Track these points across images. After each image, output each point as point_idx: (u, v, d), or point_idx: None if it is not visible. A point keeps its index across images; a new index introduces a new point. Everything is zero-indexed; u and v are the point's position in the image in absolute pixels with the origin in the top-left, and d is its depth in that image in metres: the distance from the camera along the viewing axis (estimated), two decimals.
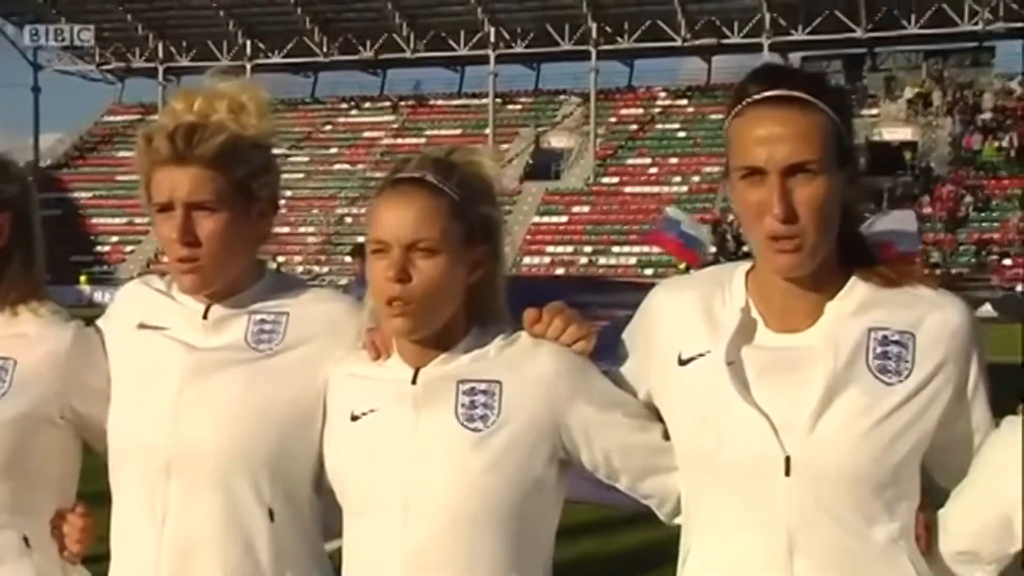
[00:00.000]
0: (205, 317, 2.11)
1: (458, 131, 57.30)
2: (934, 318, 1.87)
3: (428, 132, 56.70)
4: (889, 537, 1.84)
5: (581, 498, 2.38)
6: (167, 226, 2.04)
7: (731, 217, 35.13)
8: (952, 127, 49.94)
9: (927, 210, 44.34)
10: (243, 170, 2.06)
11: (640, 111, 56.12)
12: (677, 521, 2.03)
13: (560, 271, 46.18)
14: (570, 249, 48.66)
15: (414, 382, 1.98)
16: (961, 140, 48.92)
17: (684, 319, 1.94)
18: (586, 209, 50.91)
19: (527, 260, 48.46)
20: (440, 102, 61.64)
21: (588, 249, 48.19)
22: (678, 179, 50.41)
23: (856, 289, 1.89)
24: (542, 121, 57.49)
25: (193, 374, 2.07)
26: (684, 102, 55.87)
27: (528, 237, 50.39)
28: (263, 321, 2.12)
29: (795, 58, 56.00)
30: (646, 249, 42.25)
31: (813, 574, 1.82)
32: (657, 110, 55.89)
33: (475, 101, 59.71)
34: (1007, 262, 41.43)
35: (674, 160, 51.78)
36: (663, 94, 56.92)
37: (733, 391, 1.84)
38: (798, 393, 1.82)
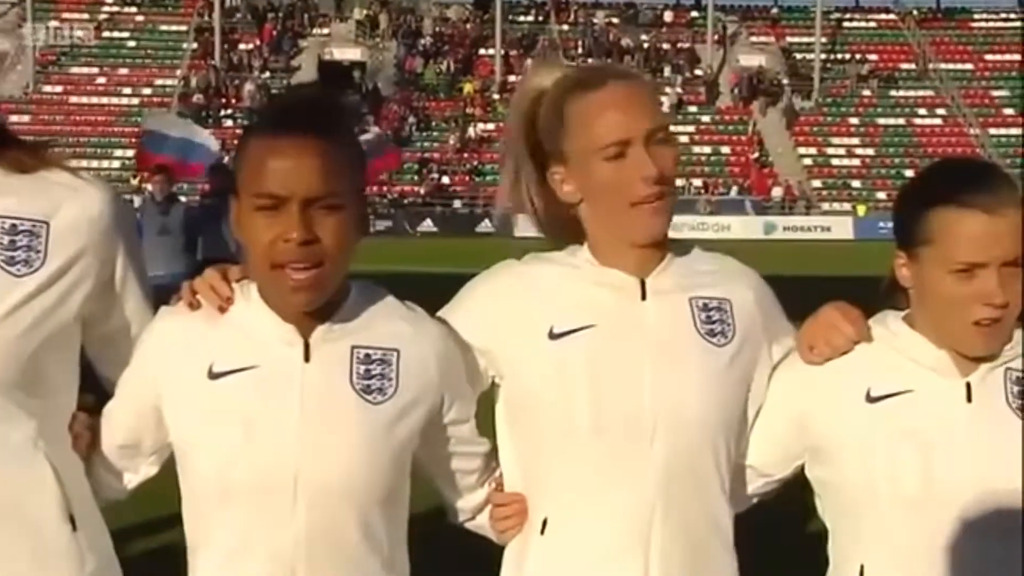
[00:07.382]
0: None
1: None
2: (72, 205, 1.79)
3: None
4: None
5: None
6: None
7: None
8: (397, 50, 52.35)
9: (375, 128, 46.37)
10: None
11: (85, 16, 52.97)
12: None
13: None
14: None
15: None
16: (404, 62, 51.48)
17: None
18: (26, 119, 47.34)
19: None
20: None
21: None
22: (128, 91, 48.54)
23: None
24: None
25: None
26: (134, 10, 53.52)
27: None
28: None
29: None
30: (95, 164, 40.31)
31: None
32: (104, 16, 53.03)
33: None
34: (446, 180, 44.57)
35: (124, 71, 49.75)
36: (111, 0, 54.08)
37: None
38: None
